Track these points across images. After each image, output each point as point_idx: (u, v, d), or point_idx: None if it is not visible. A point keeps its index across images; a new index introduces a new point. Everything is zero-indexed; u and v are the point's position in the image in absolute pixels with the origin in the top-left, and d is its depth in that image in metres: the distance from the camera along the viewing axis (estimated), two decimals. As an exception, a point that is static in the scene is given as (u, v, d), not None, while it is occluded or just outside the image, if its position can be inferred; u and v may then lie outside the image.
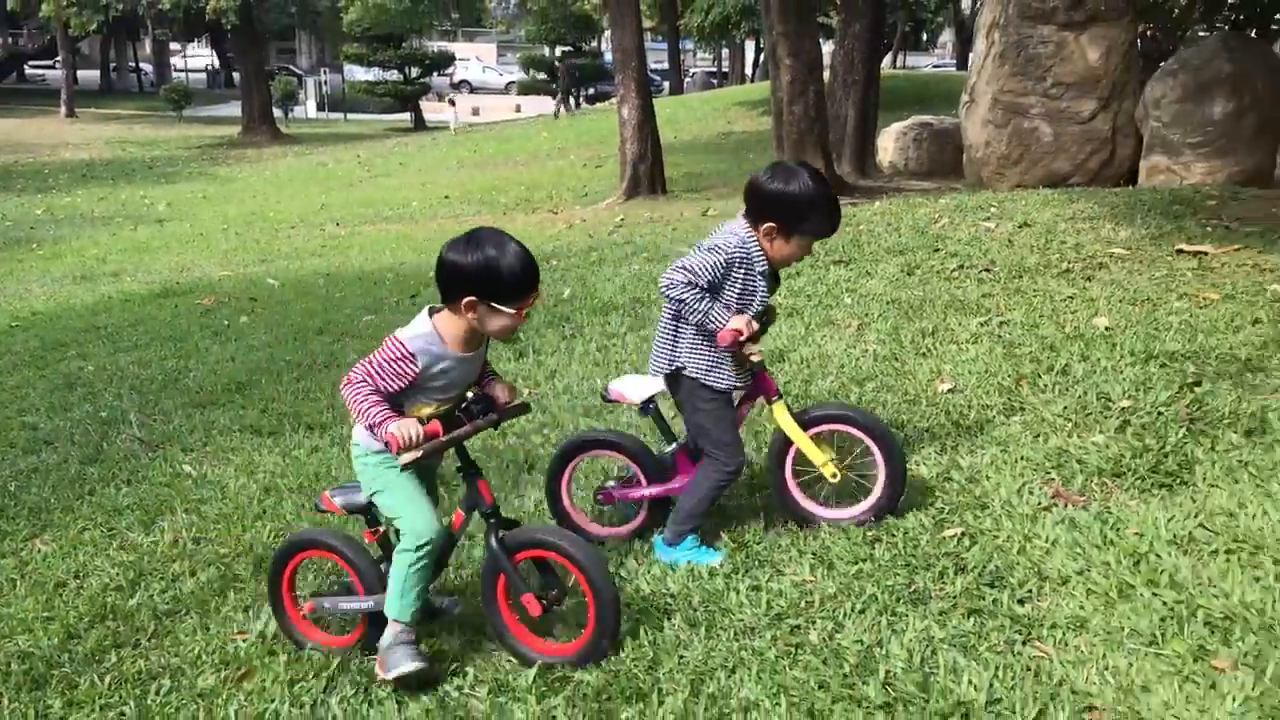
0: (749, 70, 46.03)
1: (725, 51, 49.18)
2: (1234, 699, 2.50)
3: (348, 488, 3.19)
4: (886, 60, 45.93)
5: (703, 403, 3.49)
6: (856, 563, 3.33)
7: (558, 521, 3.81)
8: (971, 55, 14.51)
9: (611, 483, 3.85)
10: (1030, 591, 3.06)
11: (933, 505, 3.63)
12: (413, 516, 2.97)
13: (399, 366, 2.87)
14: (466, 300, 2.81)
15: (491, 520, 3.03)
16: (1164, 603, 2.90)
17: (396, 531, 3.05)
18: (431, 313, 2.95)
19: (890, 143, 18.27)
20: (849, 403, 4.42)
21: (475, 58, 55.34)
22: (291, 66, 53.69)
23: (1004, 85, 13.31)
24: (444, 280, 2.85)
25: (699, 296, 3.30)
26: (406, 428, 2.79)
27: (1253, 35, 17.56)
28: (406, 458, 2.82)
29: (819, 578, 3.27)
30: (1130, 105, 13.22)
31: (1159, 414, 4.05)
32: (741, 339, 3.30)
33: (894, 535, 3.45)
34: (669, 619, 3.12)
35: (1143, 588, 2.98)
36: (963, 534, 3.41)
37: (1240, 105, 12.45)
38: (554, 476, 3.86)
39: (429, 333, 2.91)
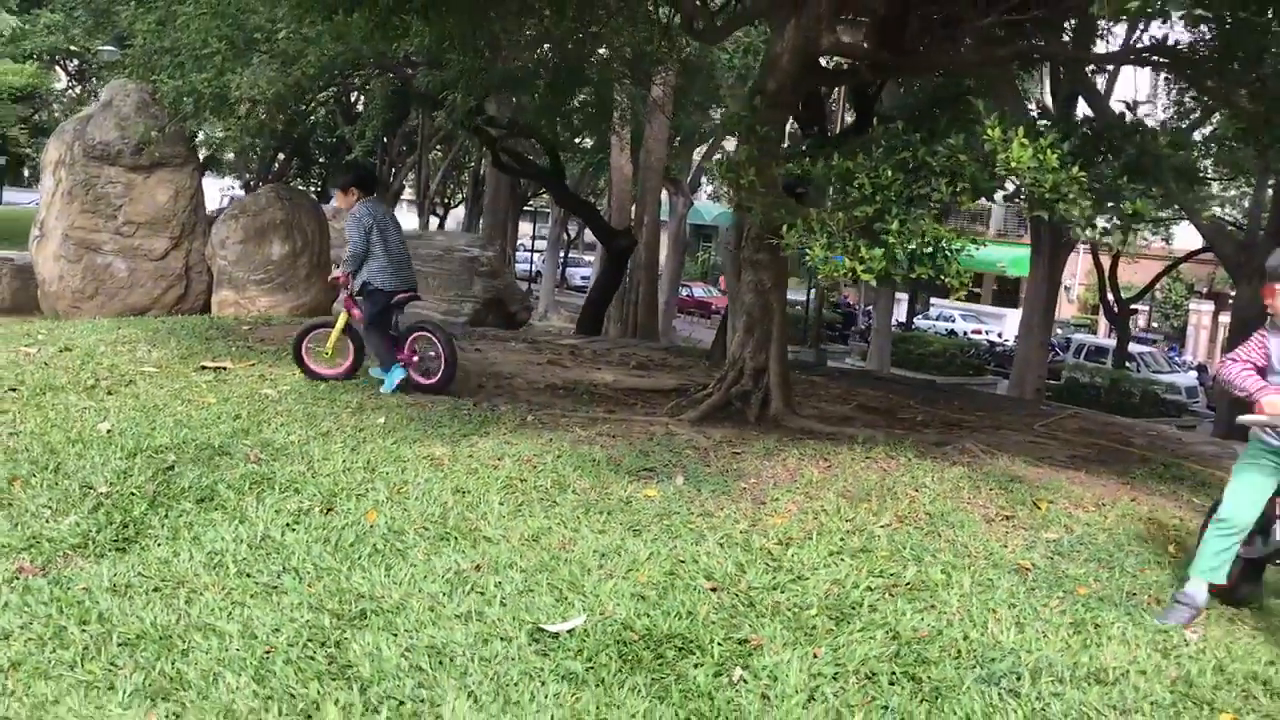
0: None
1: None
2: (123, 691, 3.15)
3: None
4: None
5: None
6: None
7: None
8: (39, 192, 14.50)
9: None
10: (-35, 650, 3.42)
11: (-104, 597, 3.80)
12: (1233, 500, 4.08)
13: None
14: None
15: None
16: (88, 634, 3.48)
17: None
18: None
19: (-33, 278, 17.23)
20: None
21: None
22: None
23: (75, 221, 13.52)
24: None
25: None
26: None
27: (301, 188, 20.01)
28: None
29: None
30: (201, 244, 14.27)
31: (131, 494, 4.71)
32: None
33: None
34: None
35: (74, 627, 3.53)
36: (-79, 614, 3.65)
37: (295, 248, 14.17)
38: None
39: None
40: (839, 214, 4.84)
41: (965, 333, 39.81)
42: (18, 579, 3.93)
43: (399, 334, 7.29)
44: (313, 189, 45.35)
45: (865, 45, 6.42)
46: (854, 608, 3.89)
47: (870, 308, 35.93)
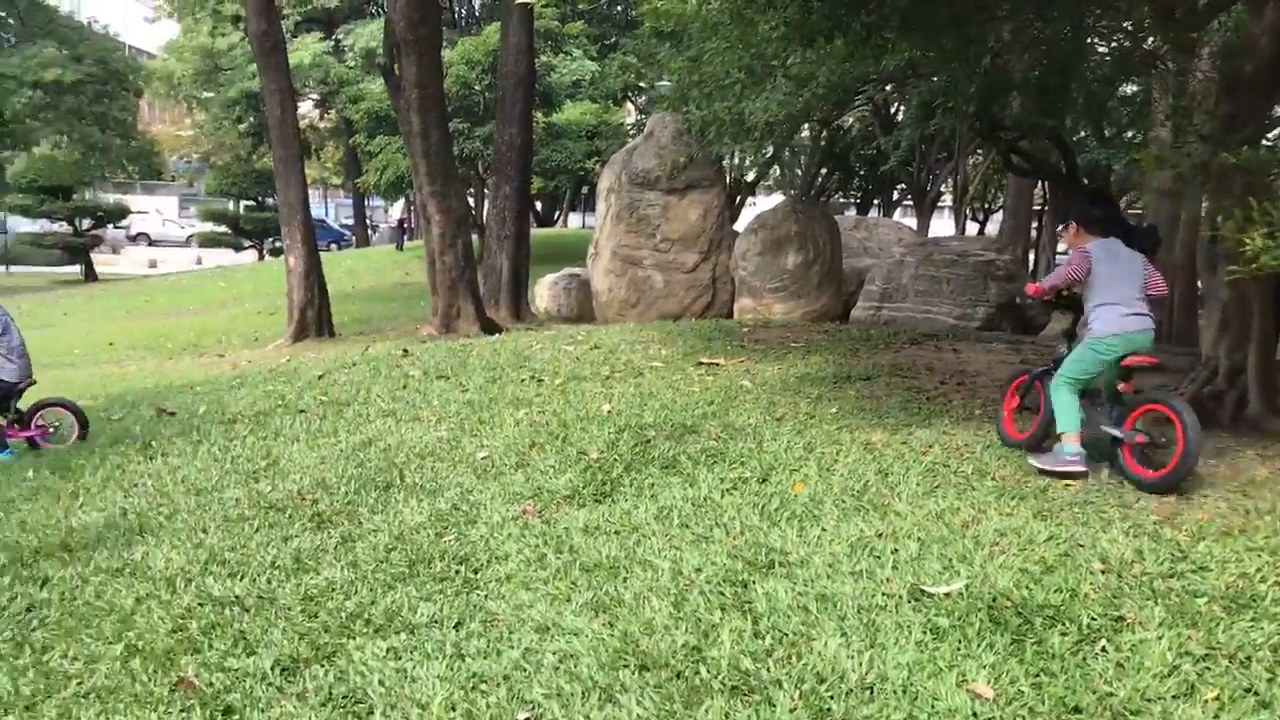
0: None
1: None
2: (576, 602, 4.03)
3: None
4: (572, 219, 49.25)
5: None
6: (377, 564, 4.68)
7: None
8: (595, 215, 16.78)
9: None
10: (483, 563, 4.53)
11: (439, 524, 5.06)
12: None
13: None
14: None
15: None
16: (560, 560, 4.44)
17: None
18: None
19: (545, 291, 20.29)
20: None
21: (155, 210, 54.55)
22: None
23: (621, 240, 15.55)
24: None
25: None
26: None
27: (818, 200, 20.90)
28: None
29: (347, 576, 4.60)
30: (726, 257, 15.73)
31: (614, 460, 5.72)
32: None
33: (405, 543, 4.84)
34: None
35: (552, 555, 4.51)
36: (455, 537, 4.85)
37: (808, 258, 15.15)
38: None
39: None
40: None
41: None
42: (521, 518, 5.04)
43: (22, 414, 8.10)
44: (853, 200, 46.79)
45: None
46: (1254, 600, 3.82)
47: None
